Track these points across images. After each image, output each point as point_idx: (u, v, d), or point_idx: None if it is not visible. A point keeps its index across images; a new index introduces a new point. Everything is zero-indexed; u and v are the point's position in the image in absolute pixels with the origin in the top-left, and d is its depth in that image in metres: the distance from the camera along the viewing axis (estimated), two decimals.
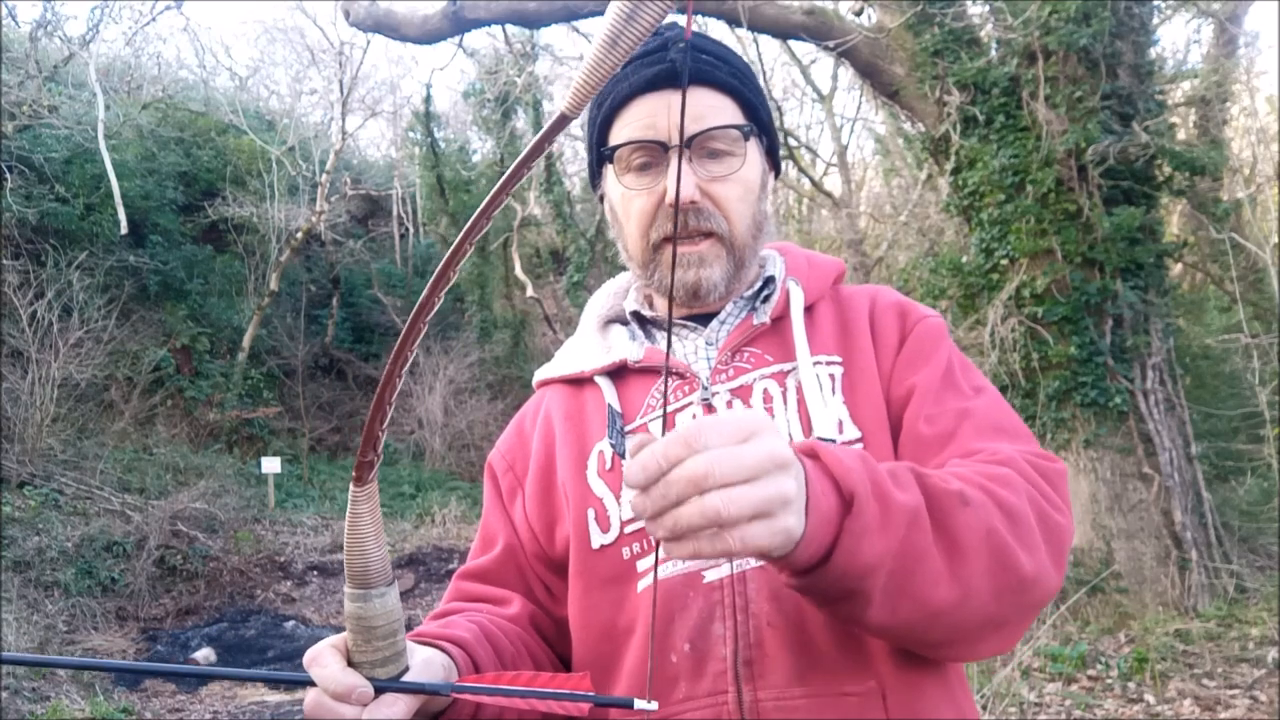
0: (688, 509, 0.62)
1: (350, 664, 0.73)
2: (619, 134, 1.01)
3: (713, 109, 0.98)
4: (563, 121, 0.57)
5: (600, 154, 1.04)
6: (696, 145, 0.97)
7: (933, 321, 1.03)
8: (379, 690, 0.72)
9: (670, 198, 0.96)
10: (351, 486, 0.70)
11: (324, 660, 0.73)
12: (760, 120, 1.04)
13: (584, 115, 1.10)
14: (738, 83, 1.01)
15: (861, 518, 0.70)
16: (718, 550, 0.64)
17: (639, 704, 0.73)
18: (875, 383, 0.98)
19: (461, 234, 0.61)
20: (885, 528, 0.71)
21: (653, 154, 0.99)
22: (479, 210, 0.60)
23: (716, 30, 7.99)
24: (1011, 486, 0.83)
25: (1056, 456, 0.91)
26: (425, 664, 0.77)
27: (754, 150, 1.02)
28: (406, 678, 0.75)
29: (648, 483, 0.64)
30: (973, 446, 0.91)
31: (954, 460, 0.89)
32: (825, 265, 1.11)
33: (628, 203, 1.02)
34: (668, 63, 0.98)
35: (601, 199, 1.11)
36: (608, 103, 1.02)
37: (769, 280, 1.06)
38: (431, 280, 0.62)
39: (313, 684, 0.73)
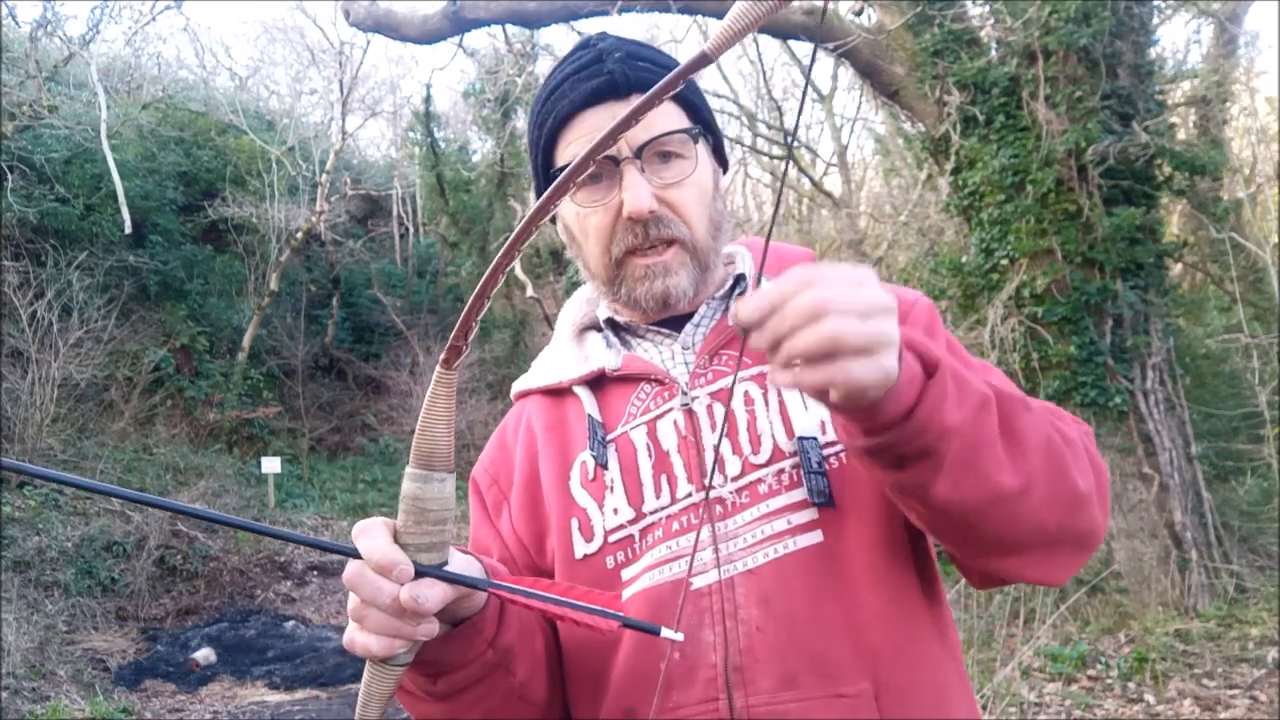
0: (803, 334, 0.64)
1: (396, 543, 0.74)
2: (565, 153, 0.99)
3: (659, 114, 0.96)
4: (703, 60, 0.58)
5: (549, 176, 1.02)
6: (647, 153, 0.96)
7: (922, 305, 1.02)
8: (419, 574, 0.72)
9: (628, 210, 0.95)
10: (438, 368, 0.71)
11: (373, 533, 0.73)
12: (704, 120, 1.03)
13: (527, 136, 1.10)
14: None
15: (942, 383, 0.73)
16: (818, 380, 0.66)
17: (666, 632, 0.75)
18: None
19: (580, 159, 0.61)
20: (961, 402, 0.74)
21: (601, 165, 0.97)
22: (606, 132, 0.61)
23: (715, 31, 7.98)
24: (1065, 420, 0.88)
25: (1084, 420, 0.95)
26: (466, 564, 0.79)
27: (703, 151, 1.02)
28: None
29: (762, 315, 0.65)
30: None
31: None
32: (794, 257, 1.08)
33: (584, 221, 1.00)
34: (606, 74, 0.97)
35: (553, 220, 1.08)
36: (549, 123, 1.00)
37: (740, 278, 1.05)
38: (535, 208, 0.63)
39: (354, 556, 0.73)
